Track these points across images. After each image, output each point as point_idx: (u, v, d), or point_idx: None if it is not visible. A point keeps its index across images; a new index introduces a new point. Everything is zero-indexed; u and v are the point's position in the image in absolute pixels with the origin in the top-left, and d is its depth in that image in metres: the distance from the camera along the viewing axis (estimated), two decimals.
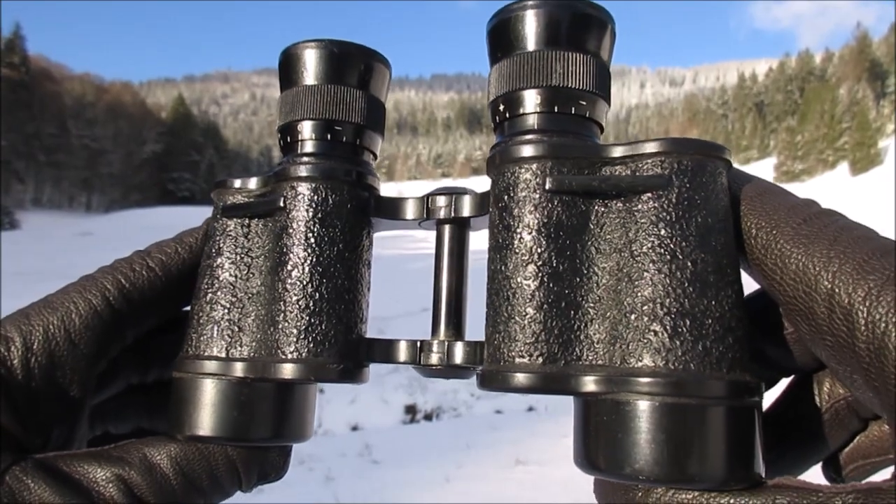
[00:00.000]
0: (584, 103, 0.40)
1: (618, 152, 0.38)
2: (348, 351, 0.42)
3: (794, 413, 0.39)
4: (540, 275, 0.37)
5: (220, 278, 0.44)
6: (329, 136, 0.46)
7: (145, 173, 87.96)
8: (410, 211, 0.47)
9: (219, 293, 0.44)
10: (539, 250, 0.37)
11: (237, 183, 0.48)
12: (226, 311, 0.43)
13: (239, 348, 0.43)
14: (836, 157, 73.20)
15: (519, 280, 0.37)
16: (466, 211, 0.45)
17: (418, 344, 0.44)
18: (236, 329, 0.43)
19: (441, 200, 0.46)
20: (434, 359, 0.44)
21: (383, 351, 0.44)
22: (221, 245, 0.46)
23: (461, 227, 0.47)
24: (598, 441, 0.35)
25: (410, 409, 6.15)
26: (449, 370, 0.44)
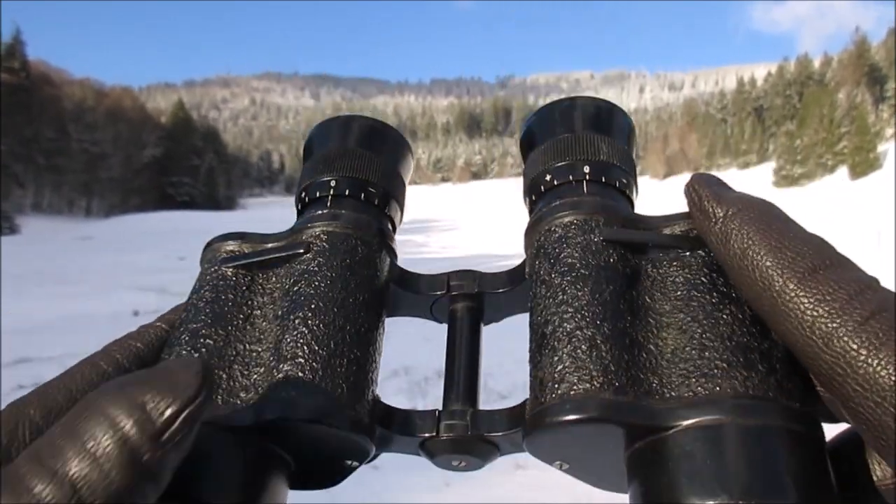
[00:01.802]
0: (625, 181, 0.43)
1: (660, 221, 0.40)
2: (363, 404, 0.39)
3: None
4: (603, 310, 0.36)
5: (202, 330, 0.39)
6: (362, 195, 0.45)
7: (145, 178, 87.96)
8: (430, 285, 0.46)
9: (203, 350, 0.38)
10: (601, 287, 0.36)
11: (234, 240, 0.44)
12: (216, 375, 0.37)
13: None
14: (836, 161, 73.21)
15: (582, 313, 0.36)
16: (494, 286, 0.44)
17: (437, 414, 0.41)
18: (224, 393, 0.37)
19: (461, 276, 0.45)
20: (454, 430, 0.40)
21: (397, 419, 0.41)
22: (208, 294, 0.41)
23: (479, 307, 0.46)
24: (678, 475, 0.31)
25: None
26: (472, 444, 0.40)
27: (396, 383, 6.65)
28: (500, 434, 0.39)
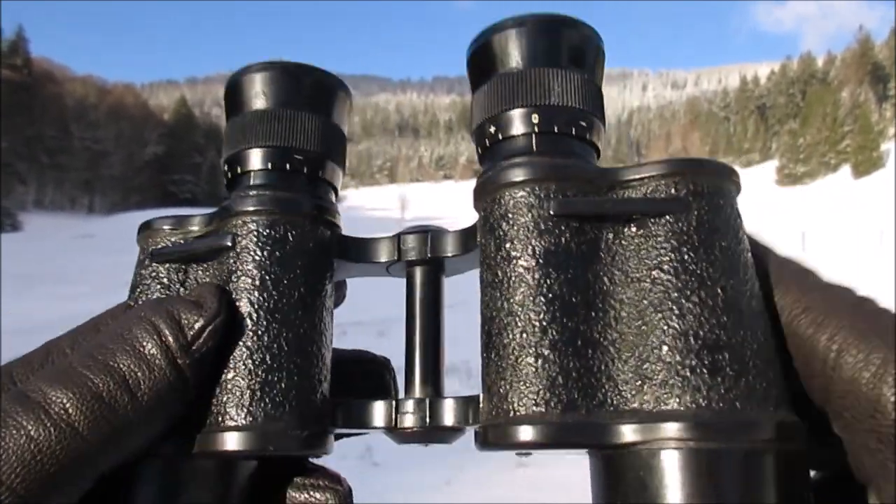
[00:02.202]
0: (584, 124, 0.37)
1: (626, 175, 0.35)
2: (312, 414, 0.36)
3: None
4: (552, 308, 0.32)
5: None
6: (287, 166, 0.40)
7: (147, 175, 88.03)
8: (380, 252, 0.41)
9: None
10: (548, 281, 0.33)
11: (168, 224, 0.41)
12: None
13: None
14: (839, 160, 73.07)
15: (527, 315, 0.32)
16: (448, 249, 0.40)
17: (393, 405, 0.39)
18: None
19: (412, 240, 0.41)
20: (411, 420, 0.38)
21: (352, 414, 0.38)
22: (150, 295, 0.40)
23: (436, 270, 0.42)
24: (630, 499, 0.29)
25: None
26: (433, 433, 0.38)
27: (398, 381, 6.63)
28: (458, 426, 0.38)
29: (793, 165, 78.67)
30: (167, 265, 0.40)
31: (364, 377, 0.43)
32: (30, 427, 0.30)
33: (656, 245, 0.33)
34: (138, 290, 0.40)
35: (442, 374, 0.40)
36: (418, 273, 0.41)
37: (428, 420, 0.38)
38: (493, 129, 0.38)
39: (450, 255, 0.40)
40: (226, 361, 0.36)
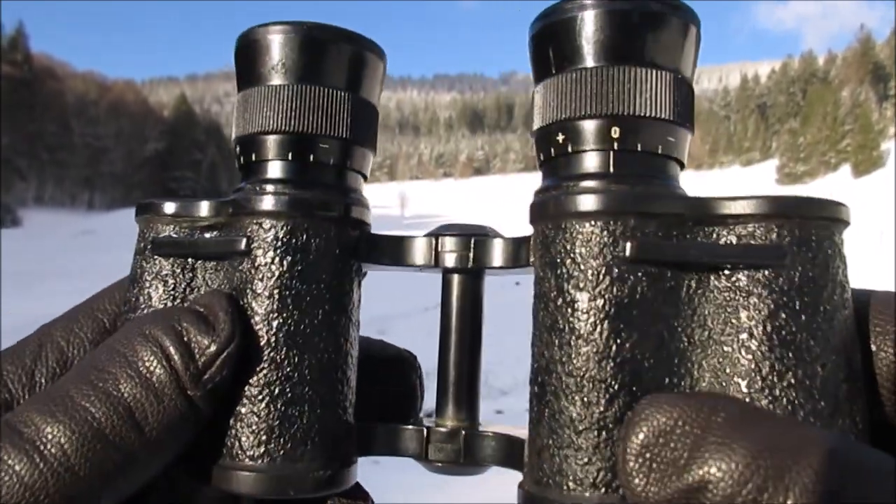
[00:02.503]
0: (672, 139, 0.31)
1: (718, 209, 0.29)
2: (335, 448, 0.33)
3: None
4: (620, 375, 0.28)
5: None
6: (310, 157, 0.34)
7: (147, 172, 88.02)
8: (415, 254, 0.36)
9: None
10: (619, 340, 0.28)
11: (172, 207, 0.36)
12: None
13: None
14: (839, 159, 73.06)
15: (591, 381, 0.28)
16: (493, 260, 0.35)
17: (425, 433, 0.35)
18: None
19: (455, 243, 0.36)
20: (444, 453, 0.35)
21: (378, 441, 0.35)
22: (152, 294, 0.35)
23: (477, 280, 0.37)
24: None
25: None
26: (467, 467, 0.35)
27: None
28: (493, 465, 0.34)
29: (793, 164, 78.65)
30: (171, 260, 0.35)
31: (389, 377, 0.39)
32: (22, 471, 0.27)
33: (748, 305, 0.28)
34: (138, 285, 0.35)
35: (478, 398, 0.37)
36: (456, 281, 0.36)
37: (463, 456, 0.35)
38: (561, 138, 0.31)
39: (495, 266, 0.35)
40: (241, 390, 0.32)
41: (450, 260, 0.35)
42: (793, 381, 0.26)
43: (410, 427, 0.35)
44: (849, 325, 0.28)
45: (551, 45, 0.32)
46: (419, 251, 0.36)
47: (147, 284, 0.35)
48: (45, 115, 74.95)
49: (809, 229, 0.28)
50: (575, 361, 0.28)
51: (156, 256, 0.36)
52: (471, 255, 0.35)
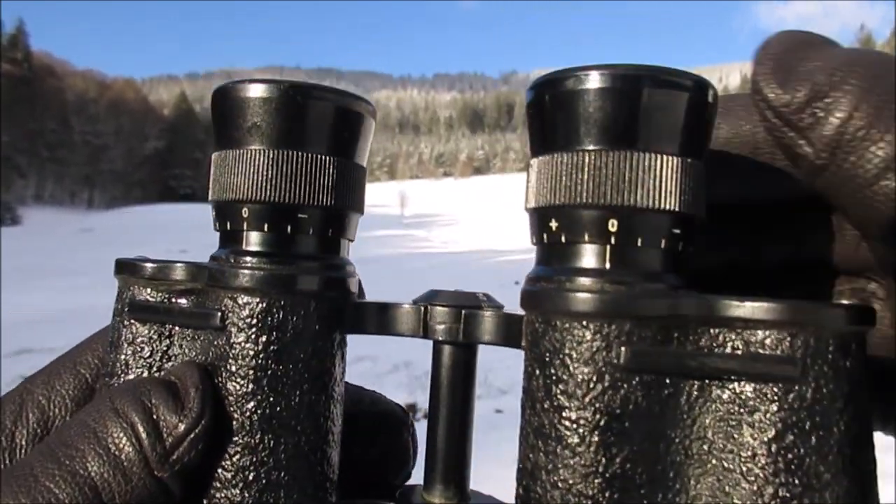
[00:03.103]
0: (677, 232, 0.27)
1: (724, 311, 0.26)
2: None
3: None
4: (608, 491, 0.25)
5: None
6: (288, 229, 0.32)
7: (147, 170, 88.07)
8: (401, 323, 0.34)
9: None
10: (609, 453, 0.26)
11: (149, 269, 0.34)
12: None
13: None
14: None
15: (577, 490, 0.26)
16: (484, 336, 0.33)
17: None
18: None
19: (445, 315, 0.34)
20: None
21: None
22: (128, 361, 0.34)
23: (469, 353, 0.35)
24: None
25: (410, 408, 6.17)
26: None
27: (396, 378, 6.66)
28: None
29: None
30: (147, 325, 0.34)
31: (379, 436, 0.38)
32: None
33: (753, 421, 0.25)
34: (115, 349, 0.34)
35: (468, 474, 0.35)
36: (447, 352, 0.34)
37: None
38: (555, 225, 0.28)
39: (486, 341, 0.33)
40: (214, 472, 0.31)
41: (439, 332, 0.34)
42: None
43: (400, 492, 0.34)
44: (864, 442, 0.25)
45: (546, 118, 0.29)
46: (405, 321, 0.34)
47: (123, 349, 0.34)
48: (45, 113, 74.98)
49: (827, 339, 0.25)
50: (561, 473, 0.26)
51: (132, 321, 0.34)
52: (461, 328, 0.33)
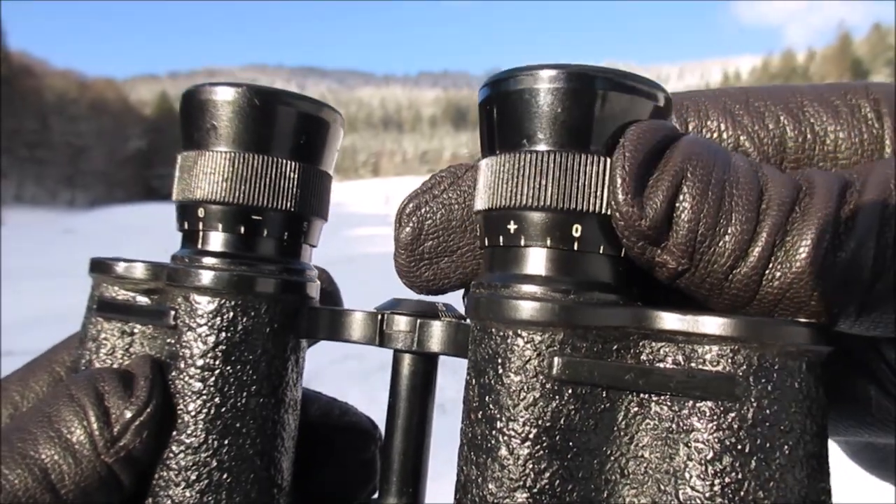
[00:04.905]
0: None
1: (665, 324, 0.25)
2: None
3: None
4: None
5: None
6: (243, 230, 0.32)
7: (129, 170, 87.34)
8: (354, 330, 0.34)
9: None
10: (538, 467, 0.24)
11: (121, 267, 0.35)
12: None
13: None
14: None
15: None
16: (436, 346, 0.32)
17: None
18: None
19: (401, 323, 0.33)
20: None
21: None
22: (92, 358, 0.34)
23: (428, 359, 0.34)
24: None
25: None
26: None
27: (384, 377, 6.65)
28: None
29: None
30: (112, 323, 0.35)
31: (346, 448, 0.37)
32: None
33: (689, 441, 0.24)
34: (83, 345, 0.35)
35: (423, 486, 0.34)
36: (406, 361, 0.34)
37: None
38: (513, 228, 0.27)
39: (437, 351, 0.33)
40: (162, 471, 0.30)
41: (396, 340, 0.33)
42: None
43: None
44: (814, 469, 0.24)
45: (501, 117, 0.27)
46: (358, 328, 0.34)
47: (89, 346, 0.35)
48: (24, 113, 74.12)
49: (772, 358, 0.24)
50: (490, 486, 0.25)
51: (98, 318, 0.35)
52: (415, 338, 0.33)
